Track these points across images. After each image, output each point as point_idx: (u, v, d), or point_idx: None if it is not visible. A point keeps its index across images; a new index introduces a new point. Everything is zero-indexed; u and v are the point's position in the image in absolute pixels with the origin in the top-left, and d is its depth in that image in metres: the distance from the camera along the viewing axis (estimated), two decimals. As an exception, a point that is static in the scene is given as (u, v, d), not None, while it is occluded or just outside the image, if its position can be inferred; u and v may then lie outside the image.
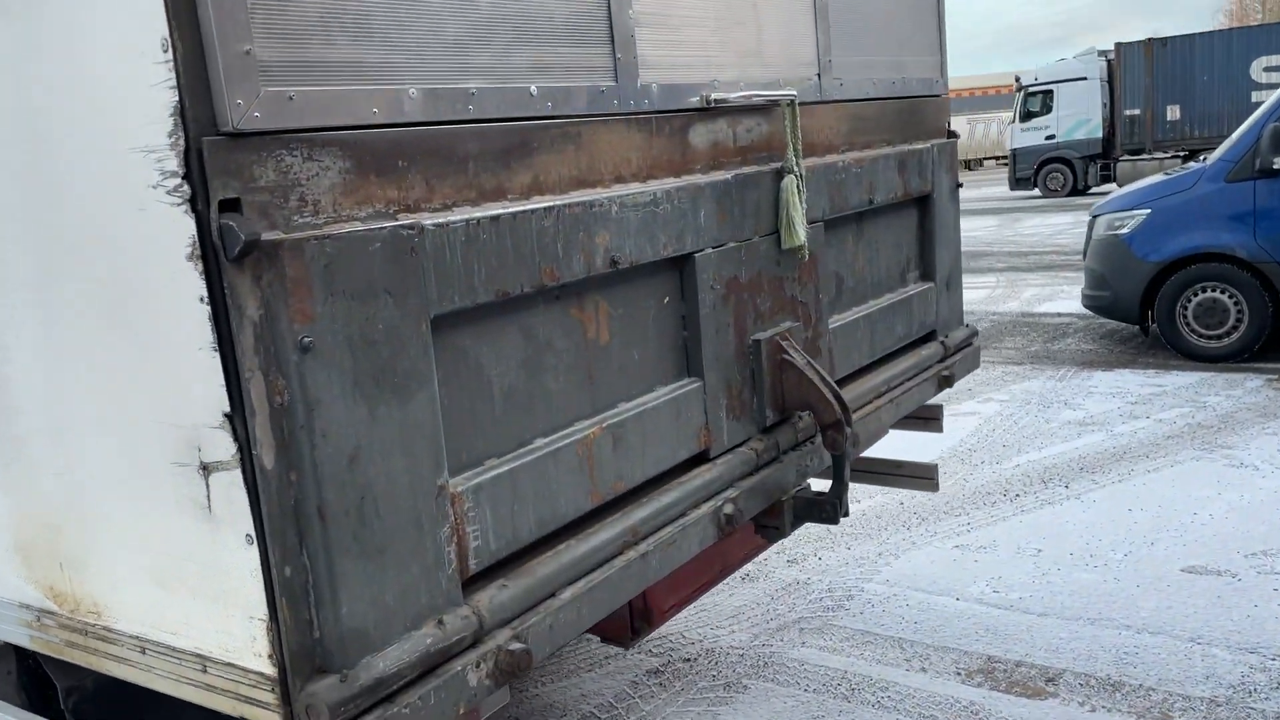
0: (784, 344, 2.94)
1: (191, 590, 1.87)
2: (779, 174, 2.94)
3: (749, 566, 5.12)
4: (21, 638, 2.34)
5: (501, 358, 2.14)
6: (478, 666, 1.96)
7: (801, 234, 2.95)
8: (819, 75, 3.27)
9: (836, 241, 3.38)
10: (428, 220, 1.91)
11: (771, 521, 3.05)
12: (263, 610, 1.73)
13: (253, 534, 1.72)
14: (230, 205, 1.63)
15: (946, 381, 3.93)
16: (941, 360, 3.96)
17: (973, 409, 7.99)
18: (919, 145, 3.86)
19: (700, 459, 2.70)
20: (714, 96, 2.71)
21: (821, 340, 3.22)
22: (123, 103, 1.67)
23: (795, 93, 3.00)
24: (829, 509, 3.07)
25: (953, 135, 4.15)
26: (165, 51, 1.57)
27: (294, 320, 1.67)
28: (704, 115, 2.72)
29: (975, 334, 4.27)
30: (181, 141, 1.60)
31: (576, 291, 2.32)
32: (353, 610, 1.77)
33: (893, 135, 3.72)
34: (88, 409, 1.96)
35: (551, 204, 2.18)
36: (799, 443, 3.05)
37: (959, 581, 4.93)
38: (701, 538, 2.61)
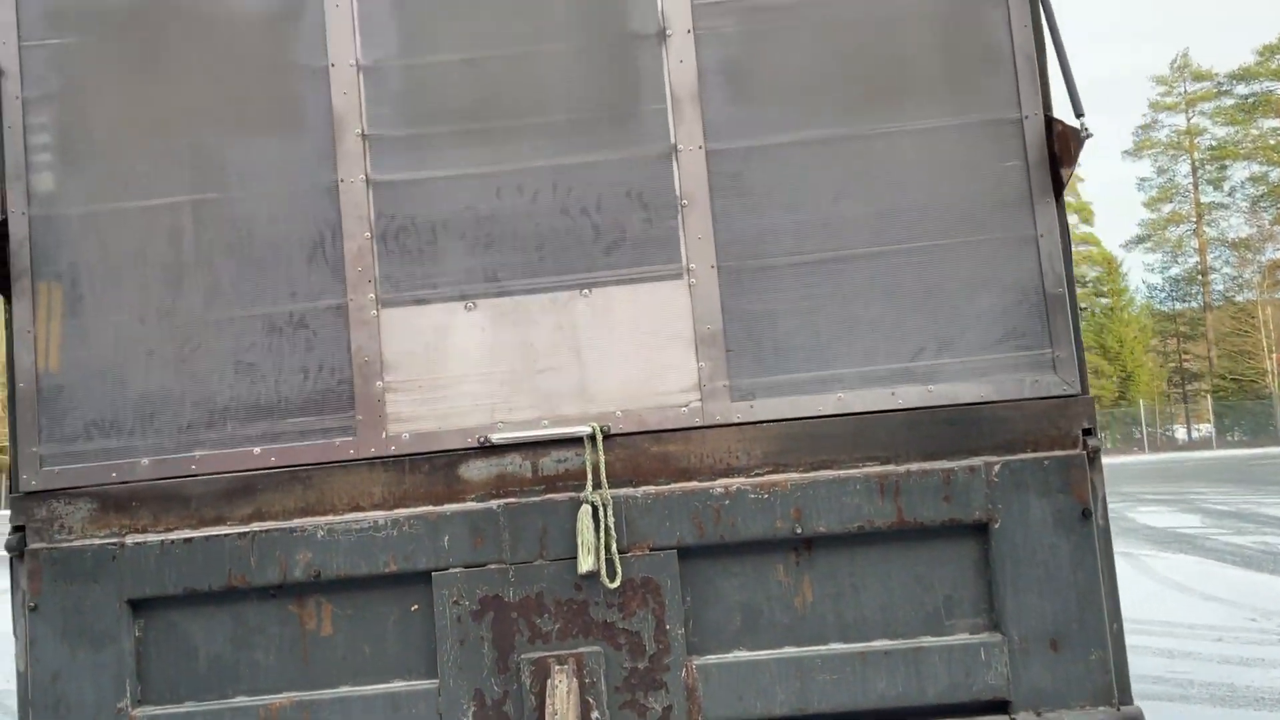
0: (560, 667, 3.05)
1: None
2: (577, 503, 3.11)
3: None
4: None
5: (211, 631, 3.17)
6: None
7: (589, 562, 3.04)
8: (699, 401, 3.19)
9: (716, 573, 3.13)
10: (130, 539, 3.16)
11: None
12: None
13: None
14: (19, 528, 3.20)
15: None
16: None
17: None
18: (947, 464, 3.11)
19: (427, 757, 3.09)
20: (498, 438, 3.16)
21: (668, 675, 3.07)
22: None
23: (592, 428, 3.12)
24: None
25: (1088, 445, 3.11)
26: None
27: (29, 592, 3.14)
28: (476, 454, 3.18)
29: None
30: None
31: (296, 592, 3.17)
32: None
33: (892, 453, 3.14)
34: None
35: (239, 531, 3.15)
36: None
37: None
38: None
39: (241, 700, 3.13)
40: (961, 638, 3.09)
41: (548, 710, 2.96)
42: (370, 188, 3.26)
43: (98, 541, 3.15)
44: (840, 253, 3.23)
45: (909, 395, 3.17)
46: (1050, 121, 3.22)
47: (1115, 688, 3.03)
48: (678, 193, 3.25)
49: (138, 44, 3.33)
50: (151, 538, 3.17)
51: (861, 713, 3.08)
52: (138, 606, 3.15)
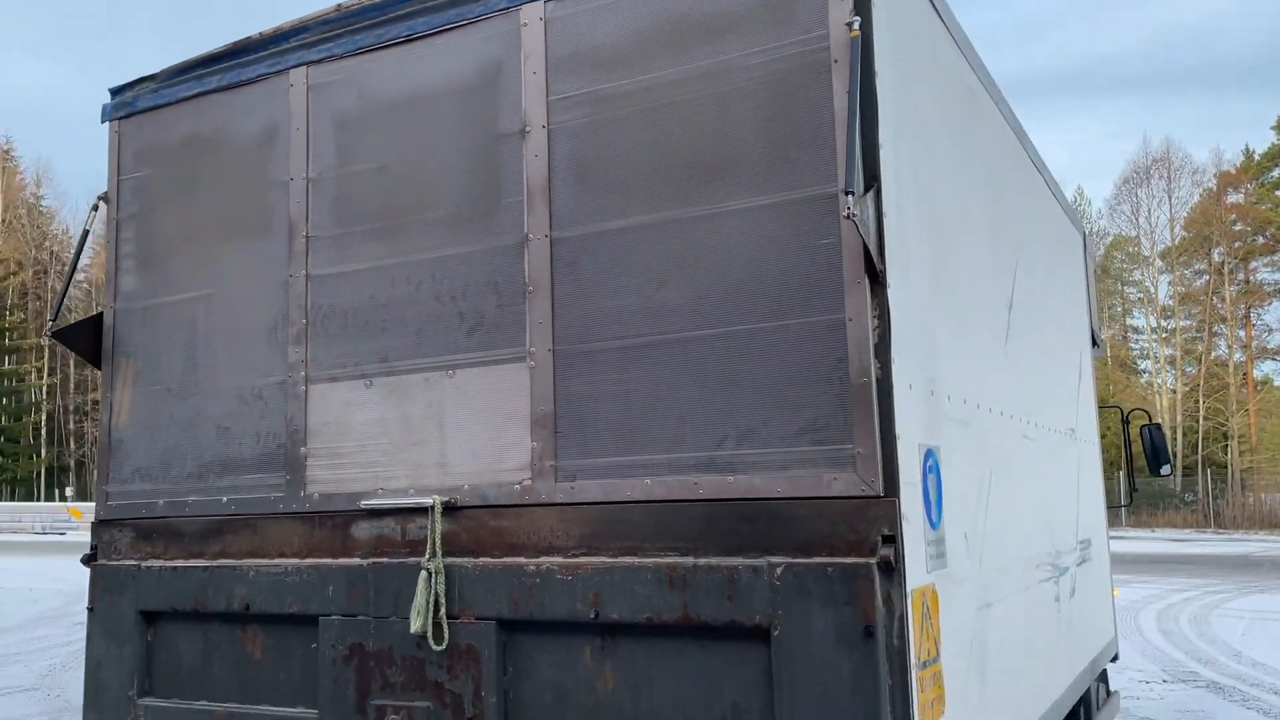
0: (394, 717, 3.37)
1: None
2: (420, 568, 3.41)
3: None
4: None
5: (190, 644, 3.93)
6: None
7: (418, 624, 3.33)
8: (530, 480, 3.30)
9: (534, 648, 3.21)
10: (145, 563, 4.02)
11: None
12: None
13: (85, 680, 4.21)
14: (94, 547, 4.22)
15: None
16: None
17: None
18: (734, 561, 2.91)
19: (311, 779, 3.56)
20: (365, 504, 3.58)
21: (482, 738, 3.25)
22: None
23: (434, 500, 3.38)
24: None
25: (883, 559, 2.73)
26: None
27: (90, 597, 4.14)
28: (360, 516, 3.60)
29: None
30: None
31: (241, 620, 3.82)
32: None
33: (692, 544, 3.01)
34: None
35: (202, 565, 3.86)
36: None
37: None
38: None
39: (202, 704, 3.84)
40: (742, 750, 2.93)
41: None
42: (308, 281, 3.83)
43: (129, 562, 4.06)
44: (657, 337, 3.20)
45: (710, 486, 3.06)
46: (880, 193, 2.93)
47: (891, 833, 2.69)
48: (526, 280, 3.42)
49: (180, 171, 4.22)
50: (158, 563, 4.00)
51: None
52: (147, 617, 4.00)
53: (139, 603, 3.99)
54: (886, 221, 2.97)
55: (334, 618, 3.58)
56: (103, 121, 4.43)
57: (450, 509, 3.44)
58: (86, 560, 4.19)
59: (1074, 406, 6.01)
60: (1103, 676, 8.42)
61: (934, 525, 3.10)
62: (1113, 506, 11.90)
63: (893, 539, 2.80)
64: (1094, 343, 7.23)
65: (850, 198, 2.75)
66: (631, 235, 3.28)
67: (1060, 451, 5.42)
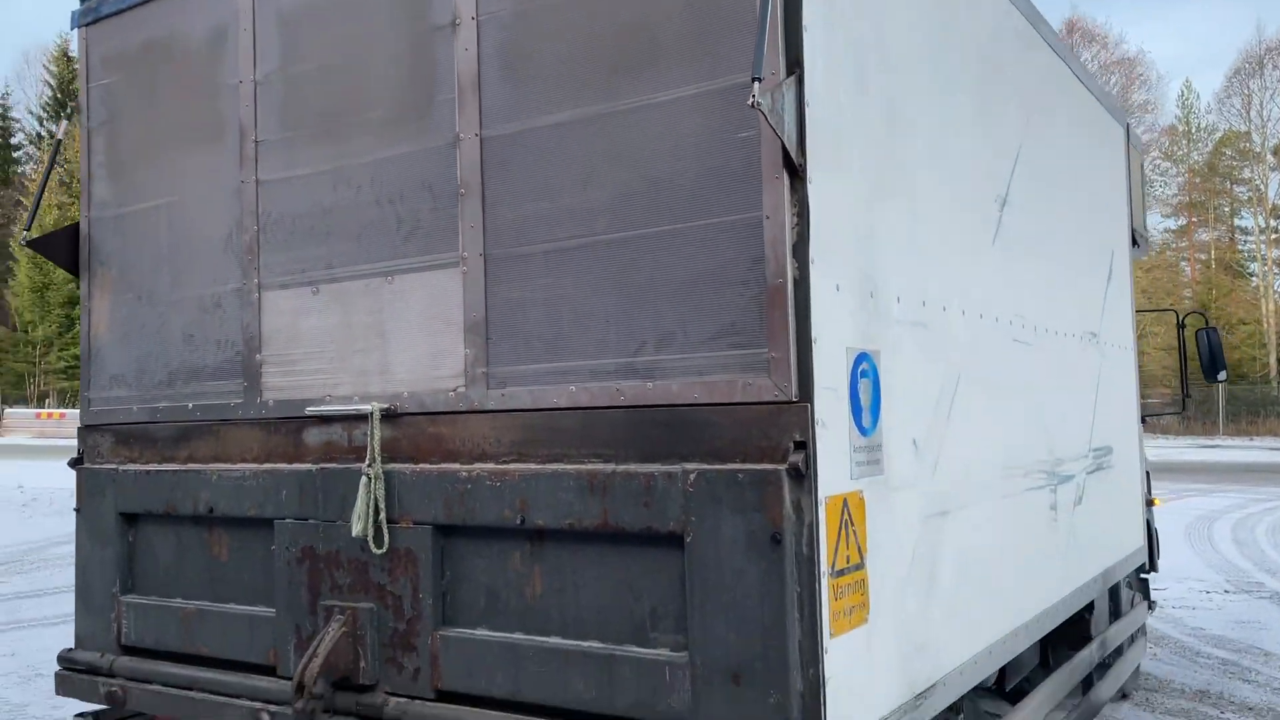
0: (340, 617, 3.41)
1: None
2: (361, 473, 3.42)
3: None
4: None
5: (165, 546, 4.03)
6: None
7: (358, 528, 3.35)
8: (464, 387, 3.26)
9: (468, 552, 3.21)
10: (123, 467, 4.12)
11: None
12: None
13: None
14: (81, 451, 4.34)
15: None
16: None
17: None
18: (652, 468, 2.83)
19: (270, 671, 3.65)
20: (311, 410, 3.59)
21: (419, 640, 3.28)
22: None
23: (372, 407, 3.36)
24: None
25: (792, 465, 2.63)
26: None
27: (77, 499, 4.27)
28: (311, 421, 3.61)
29: None
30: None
31: (207, 523, 3.90)
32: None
33: (615, 451, 2.94)
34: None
35: (172, 469, 3.94)
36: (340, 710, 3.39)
37: None
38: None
39: (178, 602, 3.95)
40: (654, 653, 2.89)
41: (309, 651, 3.37)
42: (258, 187, 3.80)
43: (109, 466, 4.16)
44: (583, 240, 3.09)
45: (631, 392, 2.98)
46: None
47: (797, 736, 2.64)
48: (459, 182, 3.33)
49: (143, 77, 4.19)
50: (134, 467, 4.09)
51: (562, 710, 3.04)
52: (127, 519, 4.11)
53: (118, 505, 4.10)
54: (811, 112, 2.78)
55: (288, 521, 3.63)
56: (72, 28, 4.41)
57: (391, 416, 3.43)
58: (73, 464, 4.31)
59: (1098, 310, 5.73)
60: (1144, 587, 8.22)
61: (865, 431, 2.98)
62: (1170, 414, 11.49)
63: (804, 445, 2.69)
64: (1134, 243, 6.86)
65: (758, 85, 2.57)
66: (559, 132, 3.15)
67: (1073, 356, 5.18)
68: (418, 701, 3.30)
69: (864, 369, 2.99)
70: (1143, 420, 8.74)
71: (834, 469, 2.79)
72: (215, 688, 3.73)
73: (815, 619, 2.67)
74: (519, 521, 3.12)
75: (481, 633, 3.23)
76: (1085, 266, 5.59)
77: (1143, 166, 7.93)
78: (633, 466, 2.93)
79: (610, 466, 2.97)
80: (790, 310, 2.73)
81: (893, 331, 3.20)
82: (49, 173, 4.71)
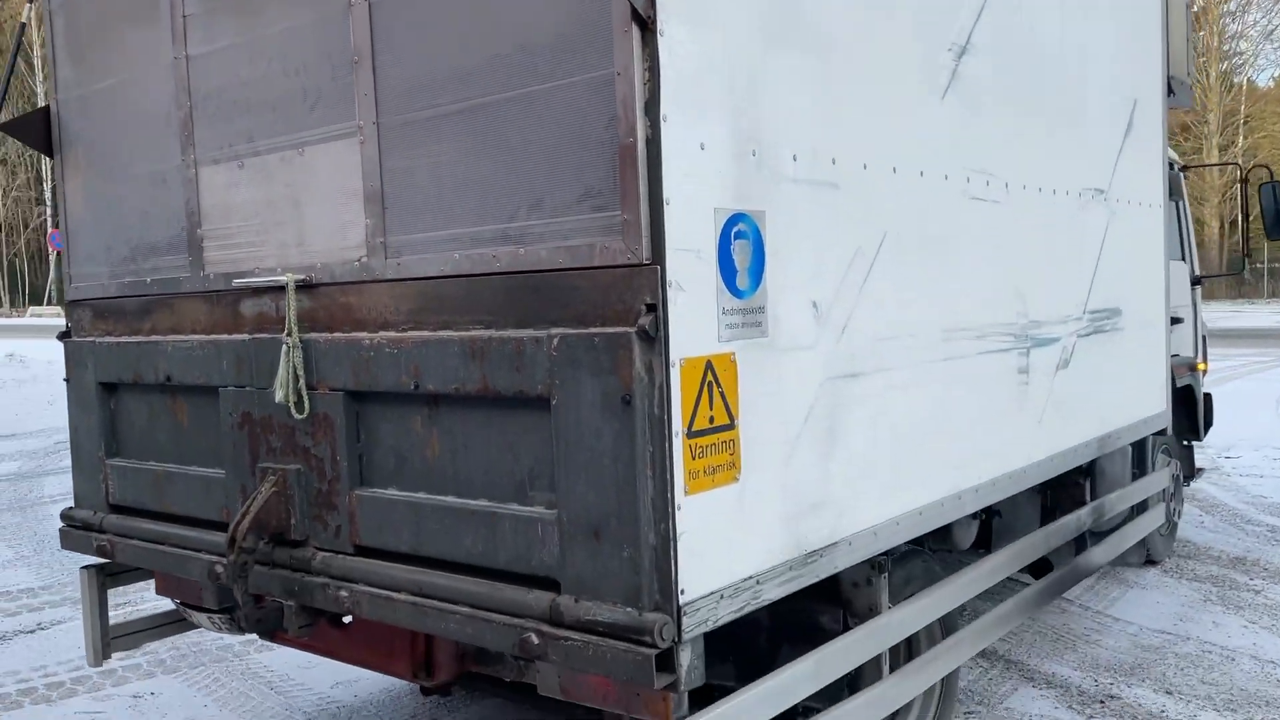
0: (271, 478, 3.59)
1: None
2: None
3: None
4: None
5: (139, 413, 4.27)
6: None
7: (279, 394, 3.49)
8: (366, 257, 3.31)
9: (377, 417, 3.32)
10: (101, 339, 4.35)
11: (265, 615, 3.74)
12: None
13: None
14: (67, 327, 4.59)
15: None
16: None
17: None
18: (523, 334, 2.85)
19: (223, 528, 3.87)
20: (236, 283, 3.71)
21: (339, 499, 3.44)
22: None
23: (287, 278, 3.45)
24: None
25: (641, 328, 2.62)
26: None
27: (65, 370, 4.54)
28: (246, 293, 3.73)
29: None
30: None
31: (169, 391, 4.11)
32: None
33: (495, 317, 2.98)
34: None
35: (137, 340, 4.14)
36: (282, 564, 3.60)
37: None
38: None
39: (151, 464, 4.21)
40: (530, 511, 2.98)
41: (240, 509, 3.58)
42: (188, 62, 3.85)
43: (89, 339, 4.39)
44: (461, 105, 3.07)
45: (506, 258, 2.99)
46: None
47: (647, 590, 2.71)
48: (352, 49, 3.32)
49: (91, -43, 4.25)
50: (109, 339, 4.31)
51: (455, 564, 3.17)
52: (106, 388, 4.35)
53: (97, 375, 4.34)
54: (665, -42, 2.67)
55: (229, 389, 3.80)
56: (27, -91, 4.48)
57: (306, 286, 3.52)
58: (61, 336, 4.56)
59: (1108, 165, 5.43)
60: (1184, 454, 7.96)
61: (741, 294, 2.94)
62: (1227, 274, 10.86)
63: (654, 308, 2.68)
64: (1170, 90, 6.42)
65: None
66: (438, -8, 3.10)
67: (1067, 214, 4.95)
68: (340, 556, 3.48)
69: (740, 230, 2.93)
70: (1197, 282, 8.33)
71: (693, 331, 2.77)
72: (180, 543, 4.00)
73: (666, 477, 2.70)
74: (414, 387, 3.21)
75: (391, 492, 3.36)
76: (1092, 118, 5.27)
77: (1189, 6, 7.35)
78: (508, 333, 2.96)
79: (489, 333, 3.01)
80: (642, 171, 2.68)
81: (784, 191, 3.11)
82: (15, 58, 4.86)
